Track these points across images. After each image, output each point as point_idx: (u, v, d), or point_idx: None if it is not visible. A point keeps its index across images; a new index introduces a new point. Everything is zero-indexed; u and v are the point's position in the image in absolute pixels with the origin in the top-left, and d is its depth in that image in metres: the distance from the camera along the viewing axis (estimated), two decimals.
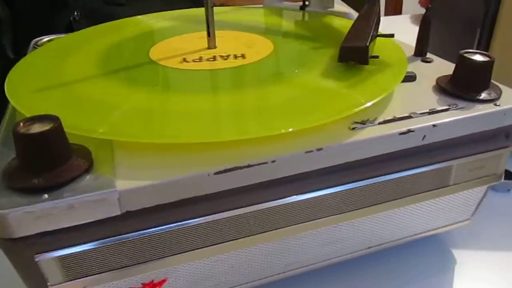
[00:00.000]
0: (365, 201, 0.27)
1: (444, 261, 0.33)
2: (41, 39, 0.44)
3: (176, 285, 0.26)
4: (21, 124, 0.21)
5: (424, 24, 0.35)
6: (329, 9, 0.44)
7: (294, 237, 0.26)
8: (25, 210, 0.19)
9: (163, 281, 0.25)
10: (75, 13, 0.61)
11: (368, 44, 0.28)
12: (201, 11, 0.36)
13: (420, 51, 0.36)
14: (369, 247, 0.31)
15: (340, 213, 0.26)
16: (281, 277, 0.29)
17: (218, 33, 0.35)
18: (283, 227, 0.25)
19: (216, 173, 0.22)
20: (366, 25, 0.30)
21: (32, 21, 0.70)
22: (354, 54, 0.29)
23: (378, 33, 0.31)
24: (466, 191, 0.30)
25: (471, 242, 0.35)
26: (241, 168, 0.22)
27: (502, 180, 0.30)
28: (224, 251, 0.25)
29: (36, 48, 0.42)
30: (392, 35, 0.31)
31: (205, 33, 0.34)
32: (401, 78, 0.28)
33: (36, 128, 0.21)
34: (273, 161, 0.23)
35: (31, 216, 0.20)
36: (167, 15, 0.45)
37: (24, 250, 0.21)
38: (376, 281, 0.32)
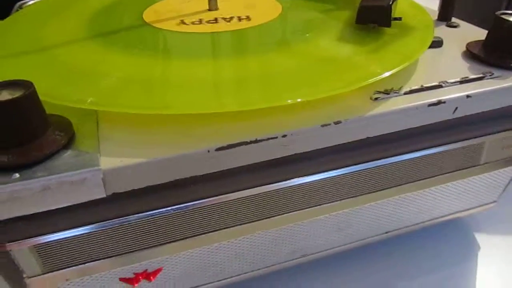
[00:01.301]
0: (386, 182, 0.24)
1: (467, 248, 0.31)
2: (25, 2, 0.40)
3: (173, 275, 0.23)
4: None
5: None
6: None
7: (306, 222, 0.23)
8: None
9: (158, 270, 0.22)
10: None
11: (391, 3, 0.24)
12: None
13: (445, 16, 0.32)
14: (387, 232, 0.28)
15: (358, 195, 0.23)
16: (288, 266, 0.26)
17: None
18: (293, 211, 0.22)
19: (217, 149, 0.19)
20: None
21: None
22: (375, 14, 0.25)
23: None
24: (497, 170, 0.27)
25: (496, 226, 0.33)
26: (246, 143, 0.19)
27: None
28: (227, 237, 0.22)
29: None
30: None
31: None
32: (428, 44, 0.25)
33: (5, 96, 0.17)
34: (283, 136, 0.19)
35: (0, 198, 0.17)
36: None
37: None
38: (390, 271, 0.29)
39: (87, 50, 0.25)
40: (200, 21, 0.29)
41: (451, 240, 0.31)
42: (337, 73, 0.22)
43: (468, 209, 0.30)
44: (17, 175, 0.17)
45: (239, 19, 0.29)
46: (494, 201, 0.30)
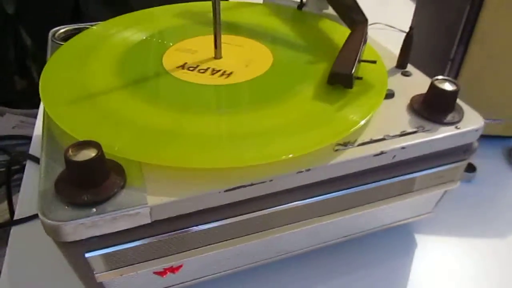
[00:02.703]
0: (343, 206, 0.33)
1: (407, 245, 0.40)
2: (57, 30, 0.48)
3: (189, 269, 0.32)
4: (70, 150, 0.26)
5: (407, 41, 0.39)
6: (324, 11, 0.48)
7: (287, 233, 0.33)
8: (78, 223, 0.25)
9: (180, 266, 0.32)
10: None
11: (352, 72, 0.33)
12: (208, 6, 0.38)
13: (402, 64, 0.40)
14: (346, 236, 0.37)
15: (324, 215, 0.33)
16: (273, 261, 0.36)
17: (224, 38, 0.40)
18: (277, 227, 0.32)
19: (226, 191, 0.27)
20: (353, 50, 0.35)
21: None
22: (341, 79, 0.33)
23: (363, 59, 0.36)
24: (428, 193, 0.36)
25: (432, 227, 0.42)
26: (245, 186, 0.28)
27: (458, 184, 0.37)
28: (230, 246, 0.31)
29: (55, 40, 0.46)
30: (374, 61, 0.36)
31: (212, 37, 0.38)
32: (380, 102, 0.33)
33: (84, 155, 0.26)
34: (270, 180, 0.28)
35: (83, 226, 0.25)
36: (179, 9, 0.48)
37: (76, 250, 0.26)
38: (348, 262, 0.39)
39: (125, 101, 0.33)
40: (211, 72, 0.37)
41: (396, 238, 0.41)
42: (315, 131, 0.30)
43: (410, 218, 0.39)
44: (94, 210, 0.26)
45: (238, 72, 0.37)
46: (430, 212, 0.40)
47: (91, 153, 0.26)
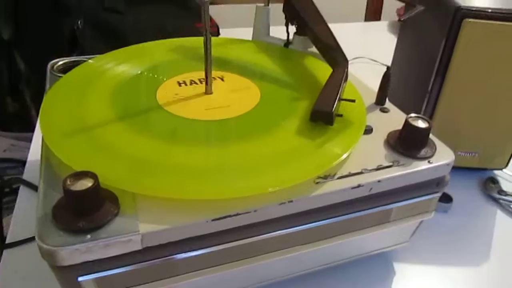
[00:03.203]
0: (323, 235, 0.35)
1: (386, 273, 0.42)
2: (56, 62, 0.50)
3: None
4: (68, 180, 0.28)
5: (385, 79, 0.42)
6: (309, 49, 0.51)
7: (270, 260, 0.34)
8: (74, 248, 0.27)
9: None
10: (78, 22, 0.66)
11: (333, 110, 0.36)
12: (200, 42, 0.40)
13: (380, 100, 0.43)
14: (327, 264, 0.39)
15: (305, 244, 0.35)
16: (258, 286, 0.37)
17: (214, 73, 0.42)
18: (260, 254, 0.33)
19: (213, 220, 0.29)
20: (334, 90, 0.38)
21: (35, 22, 0.75)
22: (322, 116, 0.36)
23: (343, 98, 0.38)
24: (403, 224, 0.38)
25: (410, 256, 0.44)
26: (230, 216, 0.30)
27: (432, 215, 0.39)
28: (217, 271, 0.33)
29: (53, 72, 0.48)
30: (353, 100, 0.38)
31: (203, 73, 0.41)
32: (359, 138, 0.36)
33: (81, 185, 0.28)
34: (255, 211, 0.30)
35: (78, 252, 0.27)
36: (172, 44, 0.51)
37: (70, 274, 0.28)
38: None
39: (119, 134, 0.35)
40: (203, 107, 0.39)
41: (375, 266, 0.43)
42: (298, 165, 0.33)
43: (388, 247, 0.41)
44: (89, 236, 0.27)
45: (227, 107, 0.40)
46: (407, 241, 0.42)
47: (88, 183, 0.28)
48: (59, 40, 0.71)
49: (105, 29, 0.71)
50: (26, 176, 0.54)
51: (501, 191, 0.54)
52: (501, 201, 0.53)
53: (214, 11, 0.98)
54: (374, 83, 0.45)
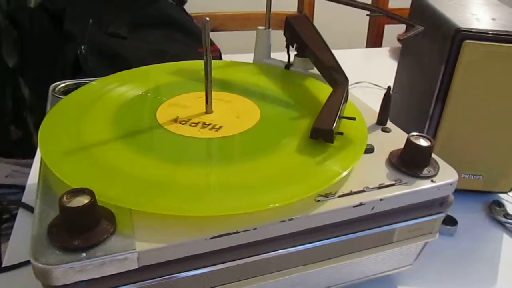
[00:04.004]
0: (325, 255, 0.34)
1: None
2: (58, 85, 0.50)
3: None
4: (65, 197, 0.28)
5: (386, 99, 0.42)
6: (310, 71, 0.51)
7: (270, 281, 0.33)
8: (68, 267, 0.26)
9: None
10: (82, 47, 0.67)
11: (333, 127, 0.35)
12: (201, 64, 0.41)
13: (381, 121, 0.43)
14: (329, 287, 0.38)
15: (305, 264, 0.34)
16: None
17: (215, 94, 0.42)
18: (261, 275, 0.33)
19: (211, 238, 0.29)
20: (334, 108, 0.37)
21: (39, 49, 0.76)
22: (322, 134, 0.36)
23: (343, 116, 0.38)
24: (407, 246, 0.37)
25: (415, 280, 0.43)
26: (230, 234, 0.29)
27: (436, 237, 0.38)
28: None
29: (55, 94, 0.48)
30: (354, 118, 0.38)
31: (203, 93, 0.41)
32: (360, 156, 0.35)
33: (78, 202, 0.27)
34: (254, 229, 0.30)
35: (72, 270, 0.26)
36: (173, 67, 0.51)
37: None
38: None
39: (117, 153, 0.35)
40: (203, 126, 0.39)
41: None
42: (295, 183, 0.32)
43: (390, 270, 0.40)
44: (84, 254, 0.27)
45: (227, 126, 0.39)
46: (411, 264, 0.41)
47: (84, 200, 0.27)
48: (63, 66, 0.72)
49: (108, 54, 0.72)
50: (25, 199, 0.54)
51: (507, 215, 0.53)
52: (507, 224, 0.52)
53: (216, 37, 0.99)
54: (375, 107, 0.45)
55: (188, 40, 0.79)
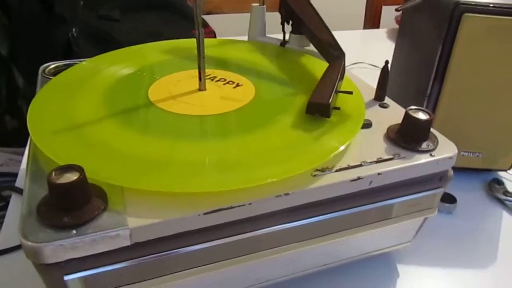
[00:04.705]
0: (323, 232, 0.33)
1: (389, 274, 0.41)
2: (48, 66, 0.49)
3: None
4: (53, 173, 0.27)
5: (383, 74, 0.41)
6: (305, 48, 0.50)
7: (265, 259, 0.33)
8: (58, 244, 0.25)
9: None
10: (73, 30, 0.65)
11: (330, 101, 0.34)
12: (194, 43, 0.40)
13: (379, 96, 0.42)
14: (327, 264, 0.37)
15: (301, 241, 0.33)
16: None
17: (208, 71, 0.41)
18: (257, 252, 0.32)
19: (205, 213, 0.28)
20: (331, 82, 0.36)
21: (30, 34, 0.74)
22: (319, 109, 0.35)
23: (340, 90, 0.37)
24: (406, 221, 0.37)
25: (414, 258, 0.43)
26: (224, 209, 0.28)
27: (436, 213, 0.37)
28: (210, 270, 0.31)
29: (45, 75, 0.47)
30: (351, 92, 0.37)
31: (197, 71, 0.40)
32: (357, 131, 0.35)
33: (66, 178, 0.26)
34: (249, 204, 0.29)
35: (63, 248, 0.26)
36: (166, 46, 0.50)
37: (55, 273, 0.26)
38: None
39: (108, 130, 0.34)
40: (193, 103, 0.38)
41: (378, 268, 0.41)
42: (291, 157, 0.32)
43: (389, 247, 0.40)
44: (74, 231, 0.26)
45: (224, 101, 0.38)
46: (410, 241, 0.40)
47: (73, 176, 0.27)
48: (54, 49, 0.71)
49: (100, 37, 0.70)
50: (18, 184, 0.53)
51: (506, 192, 0.52)
52: (506, 202, 0.51)
53: (211, 20, 0.98)
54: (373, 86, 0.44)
55: (182, 22, 0.77)
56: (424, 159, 0.34)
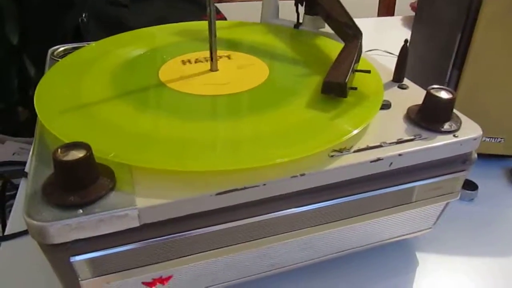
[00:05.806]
0: (340, 215, 0.32)
1: (408, 263, 0.39)
2: (57, 49, 0.48)
3: (180, 280, 0.31)
4: (59, 150, 0.26)
5: (402, 54, 0.39)
6: (320, 29, 0.48)
7: (279, 243, 0.31)
8: (64, 223, 0.24)
9: (170, 277, 0.30)
10: (83, 15, 0.64)
11: (346, 80, 0.33)
12: (205, 25, 0.38)
13: (398, 78, 0.40)
14: (344, 250, 0.36)
15: (318, 225, 0.32)
16: (267, 275, 0.34)
17: (220, 52, 0.40)
18: (270, 236, 0.31)
19: (217, 194, 0.27)
20: (347, 61, 0.35)
21: (41, 20, 0.73)
22: (335, 88, 0.33)
23: (357, 69, 0.36)
24: (427, 206, 0.35)
25: (434, 246, 0.41)
26: (237, 190, 0.27)
27: (458, 197, 0.36)
28: (222, 255, 0.30)
29: (53, 58, 0.46)
30: (368, 71, 0.36)
31: (208, 52, 0.39)
32: (376, 112, 0.33)
33: (72, 156, 0.25)
34: (264, 185, 0.27)
35: (68, 227, 0.25)
36: (177, 28, 0.49)
37: (61, 253, 0.25)
38: (348, 279, 0.37)
39: (117, 109, 0.33)
40: (205, 84, 0.37)
41: (397, 256, 0.39)
42: (307, 137, 0.30)
43: (409, 234, 0.38)
44: (81, 211, 0.25)
45: (234, 82, 0.37)
46: (430, 228, 0.38)
47: (79, 154, 0.25)
48: (63, 35, 0.70)
49: (110, 23, 0.69)
50: (28, 169, 0.52)
51: None
52: None
53: (222, 8, 0.96)
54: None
55: (192, 8, 0.76)
56: (447, 140, 0.32)
